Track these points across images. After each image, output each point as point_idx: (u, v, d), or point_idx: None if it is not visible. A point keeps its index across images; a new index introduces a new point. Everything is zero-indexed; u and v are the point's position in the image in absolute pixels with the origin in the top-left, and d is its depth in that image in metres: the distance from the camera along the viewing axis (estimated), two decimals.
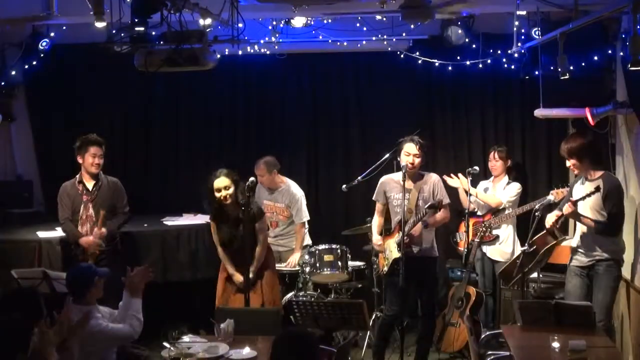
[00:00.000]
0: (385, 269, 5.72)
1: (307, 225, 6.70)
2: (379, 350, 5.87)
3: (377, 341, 5.91)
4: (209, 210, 5.74)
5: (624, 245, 5.32)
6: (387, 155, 6.11)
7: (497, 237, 6.42)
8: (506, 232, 6.45)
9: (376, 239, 5.74)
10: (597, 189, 5.11)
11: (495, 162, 6.57)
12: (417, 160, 5.56)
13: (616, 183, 5.31)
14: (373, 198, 5.81)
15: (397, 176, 5.72)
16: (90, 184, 5.90)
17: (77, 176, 5.93)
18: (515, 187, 6.51)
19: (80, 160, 5.89)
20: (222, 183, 5.49)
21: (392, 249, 5.70)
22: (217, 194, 5.51)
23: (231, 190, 5.50)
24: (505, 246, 6.43)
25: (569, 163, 5.33)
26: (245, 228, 5.41)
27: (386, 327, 5.82)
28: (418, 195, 5.59)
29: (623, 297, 5.77)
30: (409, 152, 5.59)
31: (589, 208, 5.21)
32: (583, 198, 5.15)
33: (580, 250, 5.32)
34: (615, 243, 5.24)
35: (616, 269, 5.24)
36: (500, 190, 6.53)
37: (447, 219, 5.73)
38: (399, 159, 5.70)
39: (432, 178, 5.70)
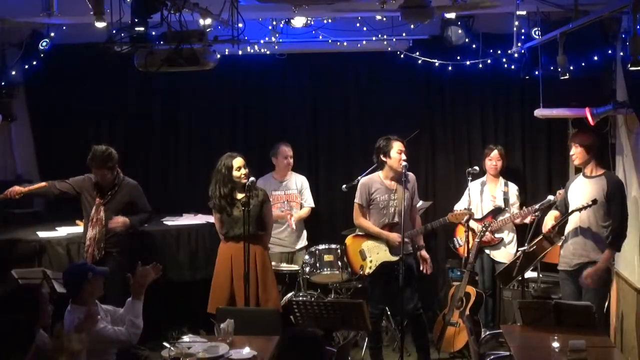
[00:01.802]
0: (369, 270, 5.74)
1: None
2: (375, 352, 5.89)
3: (372, 343, 5.91)
4: (216, 196, 5.72)
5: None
6: None
7: (502, 240, 6.40)
8: (510, 235, 6.44)
9: (393, 235, 5.65)
10: (594, 201, 5.09)
11: (497, 162, 6.53)
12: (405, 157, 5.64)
13: (619, 183, 5.28)
14: (357, 201, 5.80)
15: (378, 177, 5.75)
16: (105, 189, 5.89)
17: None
18: (515, 191, 6.49)
19: None
20: (242, 161, 5.72)
21: (379, 251, 5.71)
22: (237, 173, 5.68)
23: (247, 170, 5.71)
24: (510, 248, 6.41)
25: (573, 151, 5.36)
26: (248, 222, 5.48)
27: (374, 325, 5.75)
28: (404, 195, 5.61)
29: (624, 297, 5.77)
30: (402, 150, 5.63)
31: (587, 219, 5.20)
32: (579, 210, 5.14)
33: (567, 253, 5.30)
34: (604, 245, 5.15)
35: (604, 272, 5.14)
36: (500, 190, 6.50)
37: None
38: (385, 159, 5.70)
39: (413, 178, 5.82)
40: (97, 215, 5.81)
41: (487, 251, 6.44)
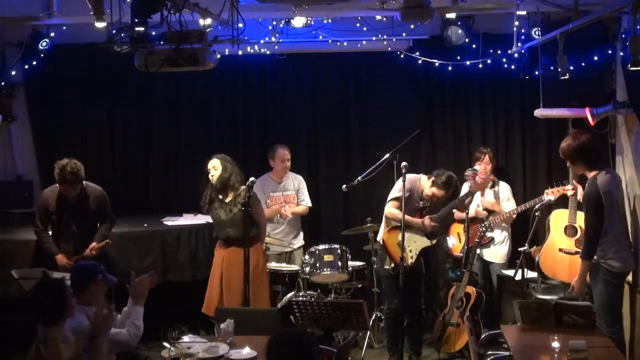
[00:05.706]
0: (411, 260, 5.78)
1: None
2: (392, 346, 5.98)
3: (390, 337, 6.02)
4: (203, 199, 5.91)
5: (614, 251, 5.00)
6: (387, 156, 6.10)
7: (492, 239, 6.38)
8: (502, 235, 6.41)
9: (425, 221, 5.80)
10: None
11: (487, 166, 6.43)
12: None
13: (591, 191, 5.00)
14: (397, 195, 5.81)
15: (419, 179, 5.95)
16: (71, 198, 5.81)
17: (57, 189, 5.80)
18: (506, 192, 6.44)
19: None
20: (211, 163, 5.87)
21: (416, 240, 5.81)
22: (210, 174, 5.85)
23: (218, 172, 5.81)
24: (500, 247, 6.40)
25: (568, 163, 5.29)
26: (244, 225, 5.51)
27: (393, 321, 5.92)
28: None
29: (626, 300, 5.75)
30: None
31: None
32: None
33: None
34: (601, 247, 5.01)
35: (599, 271, 5.00)
36: (490, 190, 6.47)
37: None
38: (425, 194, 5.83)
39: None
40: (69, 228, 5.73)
41: (477, 250, 6.41)
